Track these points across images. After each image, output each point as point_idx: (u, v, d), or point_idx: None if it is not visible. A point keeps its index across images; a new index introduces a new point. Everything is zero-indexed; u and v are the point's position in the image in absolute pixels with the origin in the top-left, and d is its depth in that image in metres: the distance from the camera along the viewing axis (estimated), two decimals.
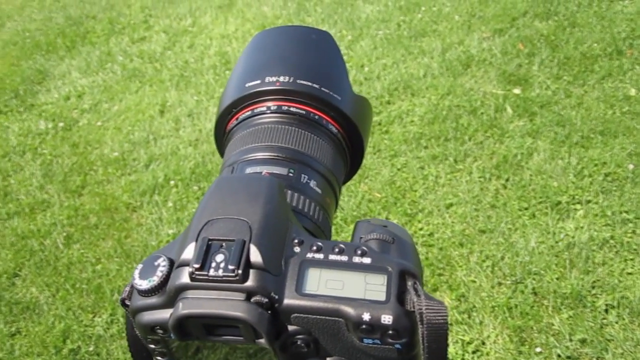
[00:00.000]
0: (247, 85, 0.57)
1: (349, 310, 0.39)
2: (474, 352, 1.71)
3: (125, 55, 3.62)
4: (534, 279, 1.87)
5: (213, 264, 0.39)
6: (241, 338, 0.40)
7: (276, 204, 0.43)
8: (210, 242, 0.40)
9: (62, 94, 3.31)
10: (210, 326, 0.40)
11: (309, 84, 0.56)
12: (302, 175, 0.52)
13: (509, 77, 2.76)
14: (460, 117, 2.57)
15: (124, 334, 1.92)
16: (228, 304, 0.38)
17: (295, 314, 0.39)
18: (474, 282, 1.90)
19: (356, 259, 0.41)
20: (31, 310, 2.06)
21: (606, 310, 1.76)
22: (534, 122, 2.47)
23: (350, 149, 0.60)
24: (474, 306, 1.83)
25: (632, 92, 2.54)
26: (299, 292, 0.39)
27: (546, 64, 2.80)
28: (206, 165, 2.58)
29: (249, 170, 0.52)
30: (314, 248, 0.41)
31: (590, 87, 2.61)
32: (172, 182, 2.52)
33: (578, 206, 2.08)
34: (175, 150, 2.72)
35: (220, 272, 0.38)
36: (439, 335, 0.38)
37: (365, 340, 0.40)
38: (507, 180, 2.24)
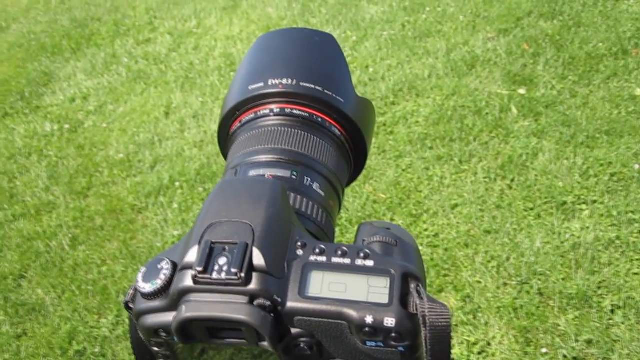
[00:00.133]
0: (250, 87, 0.57)
1: (352, 313, 0.39)
2: (479, 353, 1.71)
3: (130, 57, 3.63)
4: (539, 279, 1.87)
5: (216, 267, 0.39)
6: (244, 341, 0.40)
7: (279, 206, 0.43)
8: (213, 245, 0.40)
9: (67, 95, 3.32)
10: (214, 329, 0.40)
11: (312, 86, 0.56)
12: (305, 177, 0.52)
13: (514, 78, 2.75)
14: (465, 118, 2.57)
15: (129, 336, 1.92)
16: (231, 307, 0.38)
17: (298, 317, 0.39)
18: (480, 282, 1.90)
19: (359, 262, 0.41)
20: (37, 311, 2.06)
21: (612, 311, 1.75)
22: (539, 122, 2.47)
23: (353, 152, 0.60)
24: (480, 307, 1.83)
25: (638, 91, 2.54)
26: (302, 295, 0.39)
27: (551, 64, 2.79)
28: (211, 166, 2.59)
29: (252, 172, 0.52)
30: (317, 251, 0.41)
31: (595, 87, 2.60)
32: (177, 184, 2.52)
33: (584, 206, 2.08)
34: (180, 152, 2.72)
35: (223, 275, 0.38)
36: (442, 337, 0.38)
37: (368, 343, 0.40)
38: (512, 180, 2.23)
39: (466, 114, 2.59)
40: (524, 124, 2.48)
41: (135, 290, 0.42)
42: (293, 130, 0.55)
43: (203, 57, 3.47)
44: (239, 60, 3.33)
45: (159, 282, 0.40)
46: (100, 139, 2.92)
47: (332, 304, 0.39)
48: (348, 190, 2.24)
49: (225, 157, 0.61)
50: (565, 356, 1.66)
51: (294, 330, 0.40)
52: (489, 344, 1.73)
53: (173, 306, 0.40)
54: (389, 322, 0.38)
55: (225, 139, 0.61)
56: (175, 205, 2.42)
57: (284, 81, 0.56)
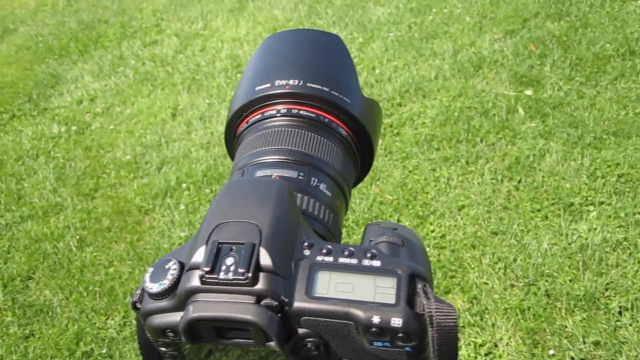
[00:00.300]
0: (257, 88, 0.57)
1: (359, 313, 0.39)
2: (486, 355, 1.71)
3: (137, 58, 3.64)
4: (546, 280, 1.86)
5: (223, 267, 0.39)
6: (251, 341, 0.40)
7: (286, 207, 0.43)
8: (220, 246, 0.40)
9: (74, 97, 3.33)
10: (221, 329, 0.40)
11: (319, 87, 0.56)
12: (312, 178, 0.52)
13: (520, 79, 2.75)
14: (471, 119, 2.57)
15: (136, 337, 1.92)
16: (238, 307, 0.38)
17: (305, 317, 0.39)
18: (487, 284, 1.90)
19: (366, 262, 0.41)
20: (45, 312, 2.07)
21: (620, 313, 1.74)
22: (546, 123, 2.46)
23: (360, 152, 0.60)
24: (487, 308, 1.82)
25: None
26: (309, 295, 0.39)
27: (558, 65, 2.79)
28: (218, 168, 2.59)
29: (259, 173, 0.52)
30: (324, 251, 0.41)
31: (602, 88, 2.60)
32: (184, 185, 2.53)
33: (591, 207, 2.07)
34: (187, 153, 2.73)
35: (230, 275, 0.39)
36: (449, 338, 0.38)
37: (375, 343, 0.40)
38: (519, 181, 2.23)
39: (473, 115, 2.59)
40: (530, 125, 2.47)
41: (143, 290, 0.42)
42: (300, 130, 0.55)
43: (210, 59, 3.48)
44: (245, 62, 3.33)
45: (166, 283, 0.40)
46: (108, 141, 2.93)
47: (339, 304, 0.39)
48: (354, 192, 2.24)
49: (232, 157, 0.61)
50: (572, 358, 1.66)
51: (300, 331, 0.40)
52: (496, 346, 1.73)
53: (180, 306, 0.40)
54: (396, 322, 0.38)
55: (232, 139, 0.61)
56: (182, 207, 2.42)
57: (291, 82, 0.56)
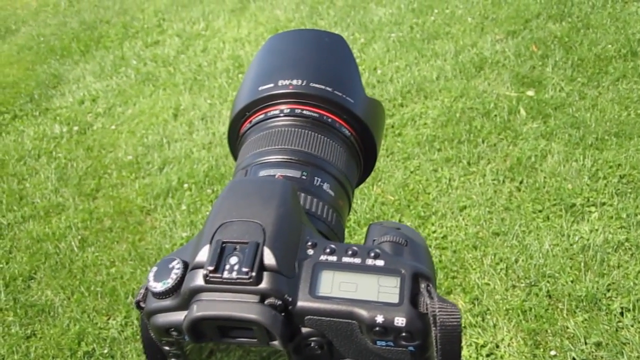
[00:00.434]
0: (260, 88, 0.57)
1: (363, 312, 0.39)
2: (487, 356, 1.71)
3: (139, 59, 3.64)
4: (548, 281, 1.86)
5: (227, 267, 0.39)
6: (255, 340, 0.40)
7: (289, 206, 0.43)
8: (224, 245, 0.40)
9: (76, 98, 3.33)
10: (225, 328, 0.40)
11: (322, 87, 0.56)
12: (315, 178, 0.53)
13: (522, 79, 2.75)
14: (473, 120, 2.57)
15: (138, 337, 1.93)
16: (242, 306, 0.38)
17: (309, 316, 0.39)
18: (488, 284, 1.90)
19: (369, 262, 0.41)
20: (46, 312, 2.07)
21: (621, 313, 1.74)
22: (548, 124, 2.46)
23: (363, 152, 0.60)
24: (488, 309, 1.82)
25: None
26: (313, 295, 0.39)
27: (560, 65, 2.79)
28: (219, 168, 2.59)
29: (262, 173, 0.52)
30: (327, 250, 0.41)
31: (604, 89, 2.60)
32: (185, 185, 2.53)
33: (593, 208, 2.07)
34: (188, 154, 2.73)
35: (234, 275, 0.39)
36: (452, 337, 0.38)
37: (379, 343, 0.40)
38: (521, 182, 2.23)
39: (474, 115, 2.59)
40: (532, 125, 2.47)
41: (147, 289, 0.42)
42: (303, 130, 0.55)
43: (211, 59, 3.48)
44: (247, 62, 3.34)
45: (170, 282, 0.40)
46: (109, 141, 2.93)
47: (342, 303, 0.39)
48: (356, 192, 2.24)
49: (235, 157, 0.61)
50: (574, 358, 1.65)
51: (304, 330, 0.40)
52: (497, 346, 1.73)
53: (184, 305, 0.40)
54: (400, 321, 0.38)
55: (235, 139, 0.61)
56: (183, 207, 2.42)
57: (294, 82, 0.56)
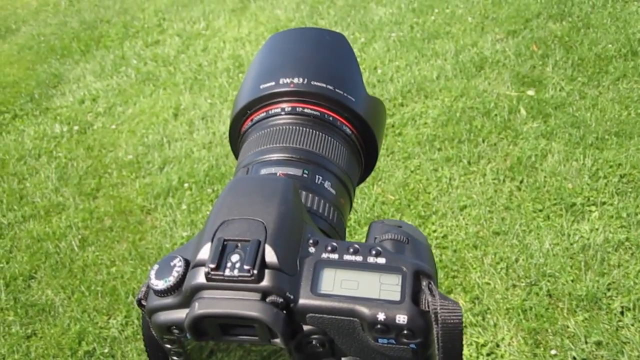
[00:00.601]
0: (261, 87, 0.57)
1: (364, 310, 0.39)
2: (488, 355, 1.71)
3: (139, 58, 3.64)
4: (548, 281, 1.86)
5: (229, 264, 0.39)
6: (256, 338, 0.40)
7: (291, 204, 0.43)
8: (225, 243, 0.40)
9: (76, 97, 3.33)
10: (226, 326, 0.40)
11: (323, 85, 0.56)
12: (317, 176, 0.53)
13: (522, 79, 2.75)
14: (473, 119, 2.57)
15: (138, 336, 1.93)
16: (244, 304, 0.38)
17: (311, 314, 0.39)
18: (488, 284, 1.90)
19: (371, 259, 0.41)
20: (47, 312, 2.07)
21: (622, 313, 1.74)
22: (548, 123, 2.46)
23: (364, 150, 0.60)
24: (488, 308, 1.82)
25: None
26: (314, 292, 0.39)
27: (560, 65, 2.79)
28: (220, 167, 2.59)
29: (263, 171, 0.52)
30: (329, 248, 0.41)
31: (604, 88, 2.60)
32: (186, 185, 2.53)
33: (593, 208, 2.07)
34: (189, 153, 2.73)
35: (235, 272, 0.39)
36: (454, 335, 0.38)
37: (380, 340, 0.40)
38: (521, 182, 2.23)
39: (475, 115, 2.59)
40: (532, 125, 2.47)
41: (148, 287, 0.42)
42: (304, 129, 0.55)
43: (211, 59, 3.48)
44: (247, 62, 3.33)
45: (171, 279, 0.40)
46: (110, 140, 2.93)
47: (344, 301, 0.39)
48: (357, 192, 2.24)
49: (236, 156, 0.61)
50: (574, 358, 1.66)
51: (306, 328, 0.40)
52: (497, 346, 1.73)
53: (186, 303, 0.40)
54: (401, 319, 0.38)
55: (236, 138, 0.61)
56: (184, 207, 2.42)
57: (295, 80, 0.56)
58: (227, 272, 0.39)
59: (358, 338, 0.40)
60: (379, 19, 3.51)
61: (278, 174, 0.52)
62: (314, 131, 0.55)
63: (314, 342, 0.41)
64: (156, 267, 0.41)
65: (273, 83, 0.57)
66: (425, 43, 3.19)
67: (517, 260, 1.94)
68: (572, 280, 1.85)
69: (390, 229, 0.44)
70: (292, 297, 0.39)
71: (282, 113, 0.56)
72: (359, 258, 0.41)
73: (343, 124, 0.57)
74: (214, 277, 0.39)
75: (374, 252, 0.41)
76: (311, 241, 0.42)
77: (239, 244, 0.40)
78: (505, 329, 1.76)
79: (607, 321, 1.72)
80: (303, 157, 0.53)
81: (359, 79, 0.59)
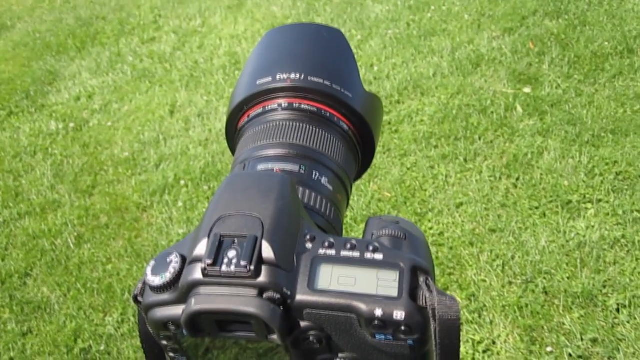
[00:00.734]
0: (258, 82, 0.57)
1: (361, 306, 0.39)
2: (484, 352, 1.71)
3: (135, 55, 3.63)
4: (544, 278, 1.86)
5: (225, 260, 0.39)
6: (253, 334, 0.40)
7: (288, 200, 0.43)
8: (222, 238, 0.40)
9: (72, 94, 3.32)
10: (223, 322, 0.40)
11: (320, 81, 0.56)
12: (314, 172, 0.52)
13: (519, 76, 2.75)
14: (470, 117, 2.57)
15: (134, 333, 1.93)
16: (240, 300, 0.38)
17: (308, 310, 0.39)
18: (485, 281, 1.90)
19: (368, 255, 0.41)
20: (42, 309, 2.07)
21: (618, 310, 1.75)
22: (545, 121, 2.46)
23: (361, 146, 0.60)
24: (485, 305, 1.83)
25: None
26: (311, 288, 0.39)
27: (557, 62, 2.79)
28: (216, 165, 2.59)
29: (260, 167, 0.52)
30: (326, 244, 0.41)
31: (601, 86, 2.60)
32: (182, 182, 2.53)
33: (589, 205, 2.08)
34: (185, 150, 2.73)
35: (232, 268, 0.38)
36: (452, 331, 0.38)
37: (378, 336, 0.40)
38: (517, 179, 2.23)
39: (471, 112, 2.59)
40: (529, 122, 2.47)
41: (144, 283, 0.42)
42: (301, 124, 0.55)
43: (208, 56, 3.47)
44: (243, 59, 3.33)
45: (168, 275, 0.40)
46: (105, 138, 2.93)
47: (341, 297, 0.39)
48: (353, 189, 2.24)
49: (232, 151, 0.60)
50: (570, 355, 1.66)
51: (303, 324, 0.40)
52: (494, 343, 1.73)
53: (182, 299, 0.40)
54: (399, 315, 0.38)
55: (233, 133, 0.61)
56: (180, 204, 2.42)
57: (292, 76, 0.56)
58: (224, 268, 0.38)
59: (355, 334, 0.40)
60: (376, 16, 3.51)
61: (275, 170, 0.52)
62: (311, 127, 0.55)
63: (311, 339, 0.41)
64: (152, 263, 0.41)
65: (270, 79, 0.57)
66: (422, 40, 3.19)
67: (513, 258, 1.95)
68: (568, 278, 1.85)
69: (388, 225, 0.44)
70: (289, 293, 0.39)
71: (279, 109, 0.56)
72: (356, 254, 0.41)
73: (340, 120, 0.57)
74: (210, 273, 0.39)
75: (371, 248, 0.41)
76: (308, 237, 0.42)
77: (236, 240, 0.39)
78: (502, 326, 1.76)
79: (602, 318, 1.73)
80: (300, 153, 0.53)
81: (356, 74, 0.59)
